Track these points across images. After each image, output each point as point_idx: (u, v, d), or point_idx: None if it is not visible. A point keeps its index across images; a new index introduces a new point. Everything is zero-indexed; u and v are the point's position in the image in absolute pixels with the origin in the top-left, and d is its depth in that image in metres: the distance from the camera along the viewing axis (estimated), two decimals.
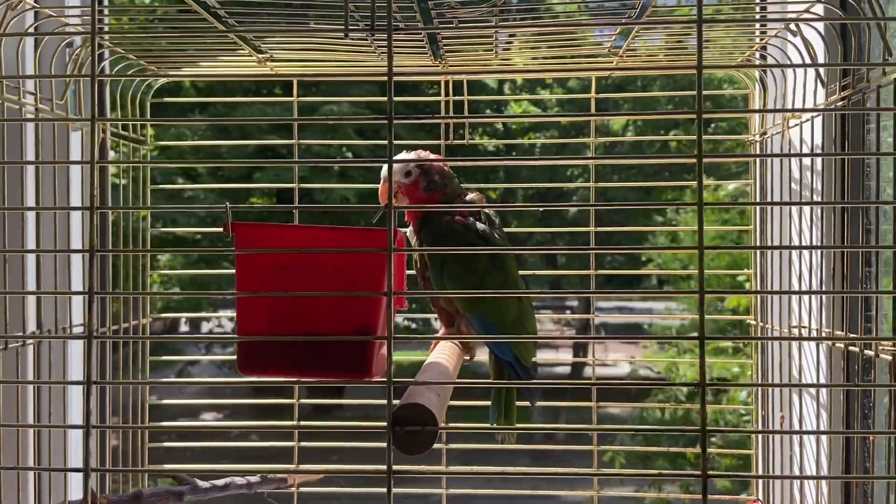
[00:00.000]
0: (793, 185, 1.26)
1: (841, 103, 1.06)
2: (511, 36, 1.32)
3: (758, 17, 1.22)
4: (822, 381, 1.17)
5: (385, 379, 0.68)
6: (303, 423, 1.39)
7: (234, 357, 0.89)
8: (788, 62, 1.22)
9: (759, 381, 1.39)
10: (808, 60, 1.10)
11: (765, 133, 1.35)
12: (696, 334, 0.69)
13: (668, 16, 1.19)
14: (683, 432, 0.73)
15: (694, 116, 0.70)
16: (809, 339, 1.11)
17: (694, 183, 0.68)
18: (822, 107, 1.10)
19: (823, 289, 1.15)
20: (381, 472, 0.69)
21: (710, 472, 0.68)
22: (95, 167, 0.73)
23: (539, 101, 6.97)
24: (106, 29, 1.27)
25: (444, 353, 1.11)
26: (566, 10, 1.29)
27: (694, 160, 0.69)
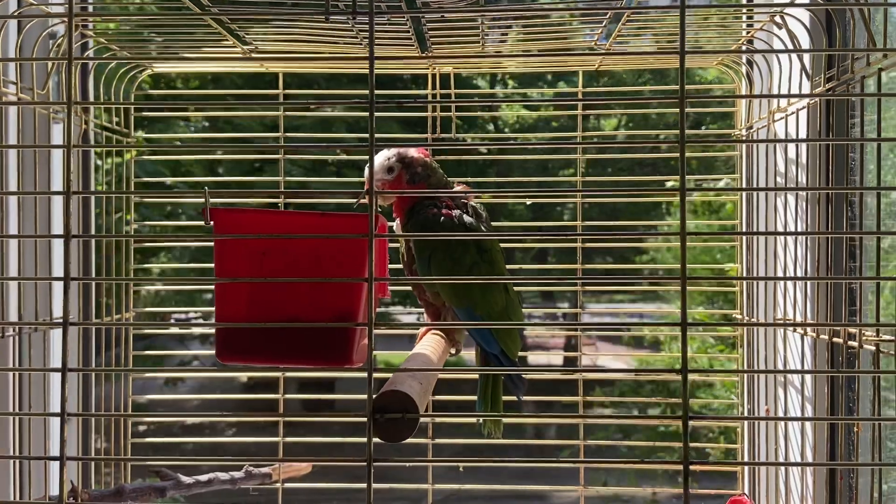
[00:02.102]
0: (778, 179, 1.26)
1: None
2: (506, 30, 1.31)
3: (742, 8, 1.22)
4: (807, 374, 1.17)
5: (365, 367, 0.67)
6: (286, 414, 1.37)
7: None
8: (774, 56, 1.22)
9: (745, 377, 1.38)
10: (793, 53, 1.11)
11: (751, 127, 1.35)
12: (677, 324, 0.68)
13: (659, 17, 1.18)
14: (665, 419, 0.72)
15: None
16: (790, 324, 1.11)
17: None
18: (807, 98, 1.10)
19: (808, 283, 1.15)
20: (360, 461, 0.68)
21: (692, 461, 0.67)
22: (72, 152, 0.72)
23: (531, 100, 6.98)
24: (90, 26, 1.26)
25: (429, 346, 1.11)
26: (553, 3, 1.29)
27: (678, 153, 0.69)
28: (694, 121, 6.16)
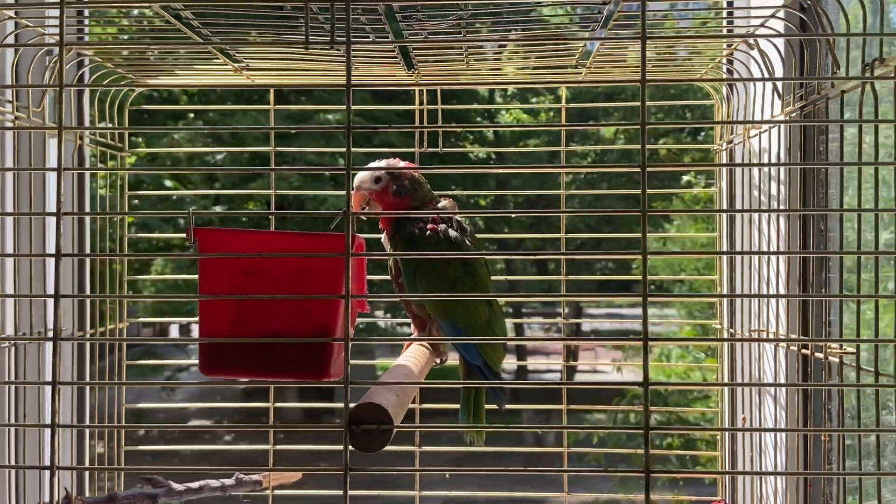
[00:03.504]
0: (754, 192, 1.29)
1: (796, 114, 1.09)
2: (499, 46, 1.34)
3: (718, 30, 1.26)
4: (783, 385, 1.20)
5: (342, 380, 0.70)
6: (274, 425, 1.40)
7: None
8: (750, 74, 1.25)
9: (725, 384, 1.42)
10: (765, 73, 1.14)
11: (730, 142, 1.39)
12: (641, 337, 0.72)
13: (655, 27, 1.21)
14: (627, 430, 0.76)
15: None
16: (755, 340, 1.14)
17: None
18: (778, 118, 1.13)
19: (783, 293, 1.18)
20: (337, 470, 0.71)
21: (653, 470, 0.70)
22: (63, 173, 0.75)
23: (528, 104, 7.06)
24: (85, 39, 1.30)
25: (412, 357, 1.14)
26: (536, 19, 1.32)
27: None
28: (692, 130, 6.25)
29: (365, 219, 1.29)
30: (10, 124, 1.18)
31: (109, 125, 1.42)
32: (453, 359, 1.32)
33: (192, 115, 6.59)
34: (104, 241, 1.39)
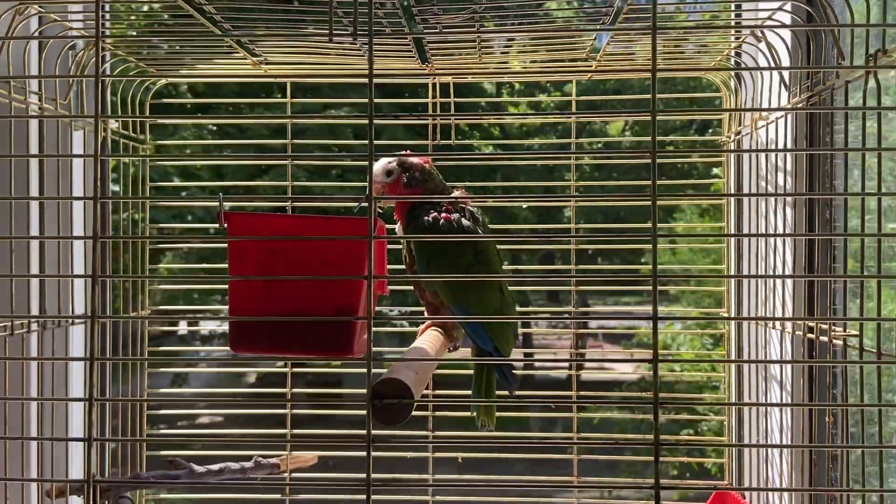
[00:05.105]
0: (761, 182, 1.32)
1: (802, 104, 1.12)
2: (510, 40, 1.37)
3: (725, 23, 1.28)
4: (788, 371, 1.22)
5: (365, 356, 0.74)
6: (294, 406, 1.45)
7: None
8: (757, 66, 1.28)
9: (732, 372, 1.44)
10: (772, 65, 1.17)
11: (738, 133, 1.41)
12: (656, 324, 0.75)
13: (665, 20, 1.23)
14: (640, 401, 0.79)
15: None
16: (755, 318, 1.17)
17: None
18: (785, 107, 1.16)
19: (791, 284, 1.21)
20: (360, 443, 0.75)
21: (662, 442, 0.74)
22: (98, 161, 0.79)
23: (536, 104, 7.08)
24: (106, 32, 1.34)
25: (427, 340, 1.17)
26: (547, 13, 1.35)
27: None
28: (700, 124, 6.25)
29: (381, 210, 1.33)
30: (36, 115, 1.22)
31: (132, 116, 1.46)
32: (465, 350, 1.35)
33: (199, 112, 6.65)
34: (125, 232, 1.42)
